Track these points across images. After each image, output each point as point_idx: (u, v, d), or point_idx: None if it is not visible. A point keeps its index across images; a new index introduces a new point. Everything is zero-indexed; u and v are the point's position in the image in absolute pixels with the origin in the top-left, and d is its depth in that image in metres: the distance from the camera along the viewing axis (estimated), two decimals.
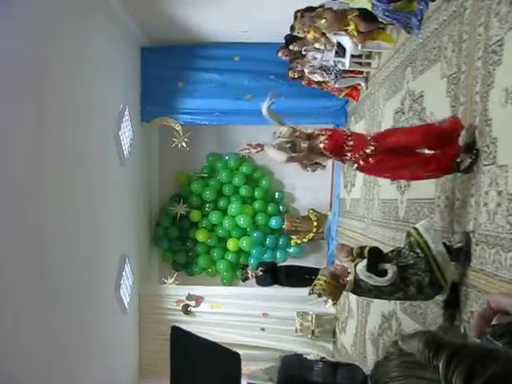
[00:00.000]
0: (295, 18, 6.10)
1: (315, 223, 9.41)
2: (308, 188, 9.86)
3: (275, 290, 8.64)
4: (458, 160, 3.59)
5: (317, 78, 7.04)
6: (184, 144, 9.12)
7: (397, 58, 5.68)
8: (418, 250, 3.52)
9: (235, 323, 8.69)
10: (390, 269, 3.48)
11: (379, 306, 5.74)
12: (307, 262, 9.06)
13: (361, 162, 3.74)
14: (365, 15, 5.33)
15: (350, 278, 3.59)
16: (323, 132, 3.86)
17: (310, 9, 5.97)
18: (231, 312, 8.73)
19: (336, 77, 6.97)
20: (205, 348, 5.51)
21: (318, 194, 9.83)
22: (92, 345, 6.52)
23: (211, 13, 7.44)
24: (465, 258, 3.52)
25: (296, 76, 7.43)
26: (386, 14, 4.76)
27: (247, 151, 4.25)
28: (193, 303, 8.74)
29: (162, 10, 7.37)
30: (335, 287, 3.65)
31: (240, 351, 8.72)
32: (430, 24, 4.59)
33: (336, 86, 7.29)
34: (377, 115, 6.47)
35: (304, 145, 3.80)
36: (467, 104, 3.69)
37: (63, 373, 5.60)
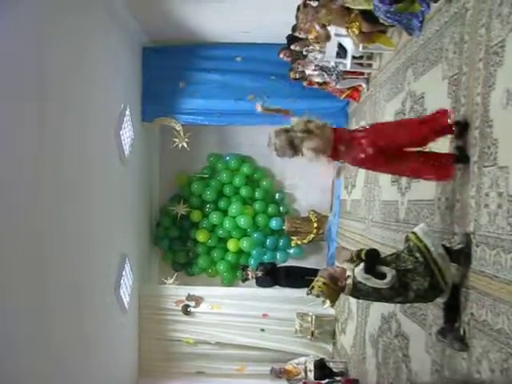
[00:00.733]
0: (298, 9, 6.04)
1: (315, 224, 9.41)
2: (308, 189, 9.88)
3: (275, 291, 8.64)
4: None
5: (318, 78, 7.03)
6: (185, 144, 9.12)
7: (398, 59, 5.67)
8: (418, 255, 3.51)
9: (235, 324, 8.69)
10: (389, 272, 3.47)
11: (379, 308, 5.74)
12: (307, 263, 9.08)
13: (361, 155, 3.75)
14: (367, 16, 5.31)
15: (349, 281, 3.58)
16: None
17: None
18: (231, 313, 8.72)
19: (337, 78, 6.98)
20: None
21: (318, 196, 9.83)
22: (91, 344, 6.51)
23: (213, 13, 7.45)
24: (465, 259, 3.51)
25: (297, 77, 7.43)
26: (388, 15, 4.75)
27: None
28: (192, 304, 8.73)
29: (163, 10, 7.38)
30: (333, 289, 3.65)
31: (239, 352, 8.78)
32: (432, 25, 4.58)
33: (337, 87, 7.30)
34: (378, 116, 6.46)
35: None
36: (468, 105, 3.69)
37: (62, 372, 5.59)
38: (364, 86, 7.26)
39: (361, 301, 6.43)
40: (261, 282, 8.50)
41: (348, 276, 3.61)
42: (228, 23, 7.94)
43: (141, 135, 8.73)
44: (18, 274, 4.68)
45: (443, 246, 3.59)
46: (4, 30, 4.39)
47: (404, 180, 5.14)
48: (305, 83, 7.60)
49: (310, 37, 6.13)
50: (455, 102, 3.96)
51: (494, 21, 3.34)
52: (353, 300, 7.05)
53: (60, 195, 5.49)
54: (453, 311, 3.62)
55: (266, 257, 9.60)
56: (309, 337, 8.44)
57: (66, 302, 5.71)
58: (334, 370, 7.58)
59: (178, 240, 9.94)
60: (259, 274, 8.37)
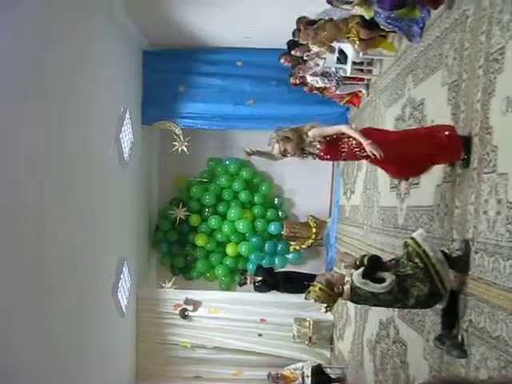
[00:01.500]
0: (299, 29, 6.14)
1: (314, 230, 9.41)
2: (308, 194, 9.89)
3: (273, 296, 8.62)
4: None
5: (318, 83, 7.05)
6: (184, 148, 9.11)
7: (398, 65, 5.69)
8: (417, 260, 3.51)
9: (232, 328, 8.67)
10: (389, 277, 3.48)
11: (377, 314, 5.73)
12: (305, 269, 9.06)
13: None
14: (366, 22, 5.34)
15: (347, 286, 3.59)
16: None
17: (311, 22, 6.00)
18: (229, 317, 8.71)
19: (337, 83, 6.99)
20: None
21: (317, 201, 9.83)
22: (89, 347, 6.50)
23: (214, 18, 7.46)
24: (463, 265, 3.51)
25: (297, 82, 7.44)
26: (388, 21, 4.77)
27: None
28: (190, 307, 8.72)
29: (164, 14, 7.39)
30: (329, 295, 3.66)
31: (237, 356, 8.76)
32: (432, 32, 4.59)
33: (337, 92, 7.31)
34: (377, 122, 6.47)
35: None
36: (468, 112, 3.69)
37: (60, 374, 5.59)
38: (364, 91, 7.27)
39: (359, 306, 6.43)
40: (259, 287, 8.48)
41: (346, 281, 3.62)
42: (229, 28, 7.95)
43: (141, 138, 8.73)
44: (17, 276, 4.68)
45: (442, 251, 3.59)
46: (5, 32, 4.40)
47: (403, 186, 5.14)
48: (305, 89, 7.61)
49: (315, 49, 6.24)
50: (455, 108, 3.96)
51: (494, 28, 3.35)
52: (351, 305, 7.04)
53: (59, 198, 5.49)
54: (451, 318, 3.62)
55: (264, 261, 9.59)
56: (306, 342, 8.43)
57: (65, 304, 5.70)
58: (332, 375, 7.57)
59: (176, 244, 9.92)
60: (257, 279, 8.35)
